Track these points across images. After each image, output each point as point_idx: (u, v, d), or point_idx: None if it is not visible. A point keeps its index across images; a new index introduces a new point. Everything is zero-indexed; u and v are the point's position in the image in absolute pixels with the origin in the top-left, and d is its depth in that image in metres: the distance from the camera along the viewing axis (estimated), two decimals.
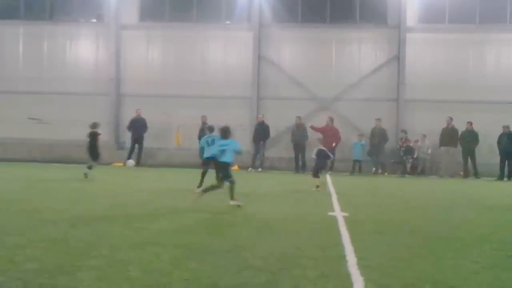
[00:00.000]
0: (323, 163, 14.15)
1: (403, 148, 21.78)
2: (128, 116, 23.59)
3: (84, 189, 12.48)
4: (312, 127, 21.77)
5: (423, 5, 23.33)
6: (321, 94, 23.34)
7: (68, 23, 24.67)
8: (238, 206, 9.29)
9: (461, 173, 21.49)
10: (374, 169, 21.86)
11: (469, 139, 21.33)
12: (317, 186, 13.26)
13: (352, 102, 23.17)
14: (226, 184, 9.65)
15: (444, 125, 21.80)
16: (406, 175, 21.34)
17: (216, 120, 22.66)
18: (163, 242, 6.14)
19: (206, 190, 9.69)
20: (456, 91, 22.75)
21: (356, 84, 23.22)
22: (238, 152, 9.74)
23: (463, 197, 13.26)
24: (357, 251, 5.80)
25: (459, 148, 21.56)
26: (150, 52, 24.55)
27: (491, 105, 22.39)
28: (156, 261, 5.21)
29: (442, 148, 21.81)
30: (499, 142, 21.05)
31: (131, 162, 19.21)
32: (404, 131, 22.17)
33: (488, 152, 21.45)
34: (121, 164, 22.16)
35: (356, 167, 21.77)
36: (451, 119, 21.67)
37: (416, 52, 23.33)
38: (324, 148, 14.15)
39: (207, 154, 12.67)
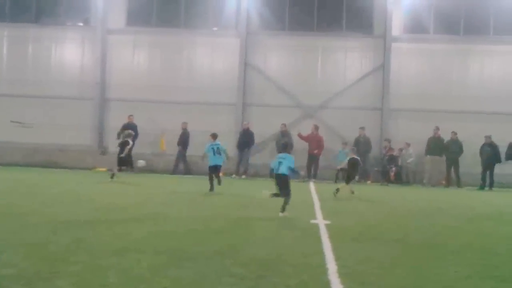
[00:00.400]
0: (355, 172, 15.16)
1: (386, 157, 21.88)
2: (113, 121, 23.50)
3: (67, 193, 12.39)
4: (299, 136, 21.81)
5: (409, 15, 23.49)
6: (306, 102, 23.40)
7: (54, 26, 24.47)
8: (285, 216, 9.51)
9: (443, 182, 21.65)
10: (356, 177, 21.91)
11: (454, 149, 21.50)
12: (352, 192, 14.46)
13: (337, 110, 23.25)
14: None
15: (430, 134, 21.94)
16: (390, 184, 21.43)
17: (202, 126, 22.80)
18: (144, 248, 6.11)
19: (273, 195, 10.09)
20: (440, 101, 22.92)
21: (342, 93, 23.32)
22: (291, 169, 10.06)
23: (445, 206, 13.34)
24: (338, 259, 5.81)
25: (444, 157, 21.72)
26: (137, 57, 24.46)
27: (474, 115, 22.58)
28: (136, 267, 5.18)
29: (428, 157, 21.94)
30: (481, 152, 21.27)
31: (142, 162, 19.11)
32: (388, 140, 22.28)
33: (470, 161, 21.63)
34: (104, 169, 22.00)
35: (340, 176, 21.82)
36: (437, 128, 21.82)
37: (401, 62, 23.47)
38: (357, 157, 15.10)
39: (212, 162, 14.40)
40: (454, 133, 21.61)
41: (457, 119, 22.49)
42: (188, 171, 22.25)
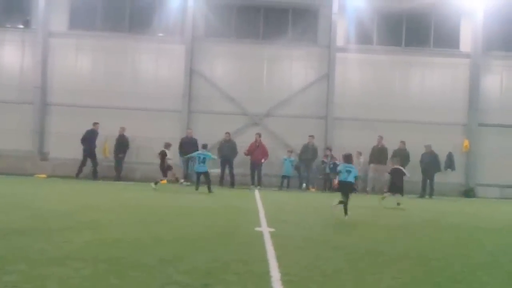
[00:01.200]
0: (400, 181, 15.72)
1: (330, 165, 22.17)
2: (54, 126, 23.01)
3: (4, 200, 11.95)
4: (245, 154, 21.92)
5: (353, 26, 24.00)
6: (252, 110, 23.51)
7: None
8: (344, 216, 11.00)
9: (385, 190, 22.04)
10: (304, 185, 22.18)
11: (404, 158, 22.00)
12: (398, 204, 15.13)
13: (283, 118, 23.48)
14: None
15: (373, 143, 22.42)
16: (334, 192, 21.65)
17: (147, 133, 22.64)
18: (85, 256, 5.95)
19: (340, 202, 11.34)
20: (383, 110, 23.48)
21: (287, 101, 23.56)
22: (356, 177, 11.73)
23: (386, 213, 13.60)
24: (281, 266, 5.82)
25: (387, 166, 22.14)
26: (80, 61, 23.96)
27: (415, 125, 23.24)
28: (76, 276, 5.04)
29: (372, 165, 22.39)
30: (421, 161, 21.92)
31: (216, 171, 19.67)
32: (329, 148, 22.62)
33: (411, 170, 22.14)
34: (44, 175, 21.42)
35: (285, 183, 22.01)
36: (381, 138, 22.33)
37: (346, 72, 23.92)
38: (400, 167, 15.89)
39: (196, 169, 17.71)
40: (403, 143, 22.09)
41: (398, 128, 23.09)
42: (118, 177, 21.90)
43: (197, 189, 17.38)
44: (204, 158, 17.37)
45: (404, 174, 15.80)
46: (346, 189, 11.35)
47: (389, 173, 16.26)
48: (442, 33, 24.03)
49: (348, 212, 11.06)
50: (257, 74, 23.90)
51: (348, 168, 11.45)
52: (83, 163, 21.82)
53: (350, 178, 11.36)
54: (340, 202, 11.25)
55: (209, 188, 17.06)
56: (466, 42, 24.00)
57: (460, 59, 23.91)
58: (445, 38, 24.04)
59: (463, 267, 6.50)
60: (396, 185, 15.72)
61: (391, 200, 15.50)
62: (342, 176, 11.35)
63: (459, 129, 23.52)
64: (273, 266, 5.84)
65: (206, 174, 17.47)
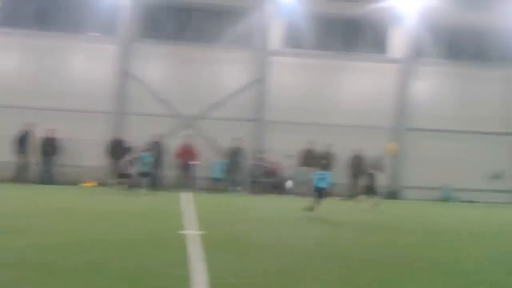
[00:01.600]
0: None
1: (261, 168, 22.25)
2: None
3: None
4: (176, 157, 21.88)
5: (287, 30, 24.22)
6: (185, 112, 23.31)
7: None
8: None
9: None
10: (239, 188, 22.21)
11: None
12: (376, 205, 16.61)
13: (215, 121, 23.35)
14: None
15: (304, 146, 22.70)
16: (266, 194, 21.82)
17: (76, 134, 22.02)
18: (15, 261, 5.76)
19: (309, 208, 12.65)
20: (315, 114, 23.78)
21: (220, 104, 23.49)
22: (330, 184, 13.22)
23: (318, 215, 13.79)
24: (208, 269, 5.80)
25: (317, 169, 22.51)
26: (6, 61, 23.06)
27: (345, 128, 23.68)
28: None
29: (302, 168, 22.65)
30: (349, 164, 22.46)
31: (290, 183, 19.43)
32: (261, 151, 22.74)
33: (340, 172, 22.62)
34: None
35: (215, 186, 21.99)
36: (311, 141, 22.63)
37: (279, 75, 24.02)
38: (373, 172, 17.85)
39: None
40: (328, 145, 22.48)
41: (329, 131, 23.45)
42: (50, 180, 21.34)
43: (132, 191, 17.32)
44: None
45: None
46: (318, 194, 12.52)
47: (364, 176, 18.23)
48: (373, 39, 24.64)
49: (316, 211, 12.30)
50: (191, 77, 23.67)
51: (321, 176, 12.77)
52: (19, 165, 21.18)
53: (322, 184, 12.61)
54: (309, 208, 12.43)
55: (137, 189, 17.53)
56: (396, 48, 24.70)
57: (389, 64, 24.57)
58: (375, 44, 24.66)
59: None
60: (370, 188, 17.68)
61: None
62: (316, 183, 12.63)
63: (387, 132, 24.15)
64: (199, 269, 5.82)
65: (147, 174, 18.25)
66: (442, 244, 9.63)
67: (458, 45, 25.07)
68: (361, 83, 24.56)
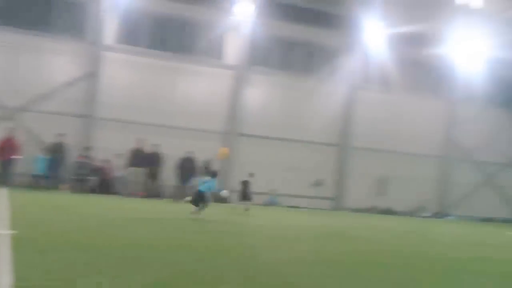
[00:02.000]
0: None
1: (88, 166, 21.35)
2: None
3: None
4: None
5: (122, 26, 23.53)
6: (6, 103, 21.49)
7: None
8: None
9: (142, 193, 22.01)
10: (61, 185, 21.03)
11: (154, 161, 22.18)
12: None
13: (41, 114, 21.86)
14: None
15: (134, 145, 22.15)
16: (90, 194, 20.90)
17: None
18: None
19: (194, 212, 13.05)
20: (148, 114, 23.43)
21: (46, 96, 22.03)
22: (209, 189, 13.60)
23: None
24: (16, 271, 5.23)
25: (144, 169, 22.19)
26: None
27: (178, 130, 23.62)
28: None
29: (130, 168, 22.13)
30: (178, 166, 22.41)
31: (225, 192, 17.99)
32: (87, 148, 21.84)
33: (170, 174, 22.48)
34: None
35: (37, 183, 20.64)
36: (140, 140, 22.16)
37: (113, 71, 23.27)
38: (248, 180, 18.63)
39: None
40: (155, 146, 22.21)
41: (162, 132, 23.23)
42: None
43: None
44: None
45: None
46: (196, 196, 13.26)
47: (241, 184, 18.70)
48: (210, 44, 24.82)
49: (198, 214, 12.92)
50: (13, 65, 21.93)
51: (205, 181, 13.74)
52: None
53: (202, 188, 13.32)
54: (193, 212, 13.07)
55: None
56: (232, 54, 25.18)
57: (224, 70, 25.03)
58: (212, 49, 24.92)
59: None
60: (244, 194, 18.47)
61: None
62: (199, 187, 13.56)
63: (219, 137, 24.46)
64: (6, 270, 5.22)
65: None
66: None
67: (290, 57, 26.27)
68: (196, 87, 24.64)
